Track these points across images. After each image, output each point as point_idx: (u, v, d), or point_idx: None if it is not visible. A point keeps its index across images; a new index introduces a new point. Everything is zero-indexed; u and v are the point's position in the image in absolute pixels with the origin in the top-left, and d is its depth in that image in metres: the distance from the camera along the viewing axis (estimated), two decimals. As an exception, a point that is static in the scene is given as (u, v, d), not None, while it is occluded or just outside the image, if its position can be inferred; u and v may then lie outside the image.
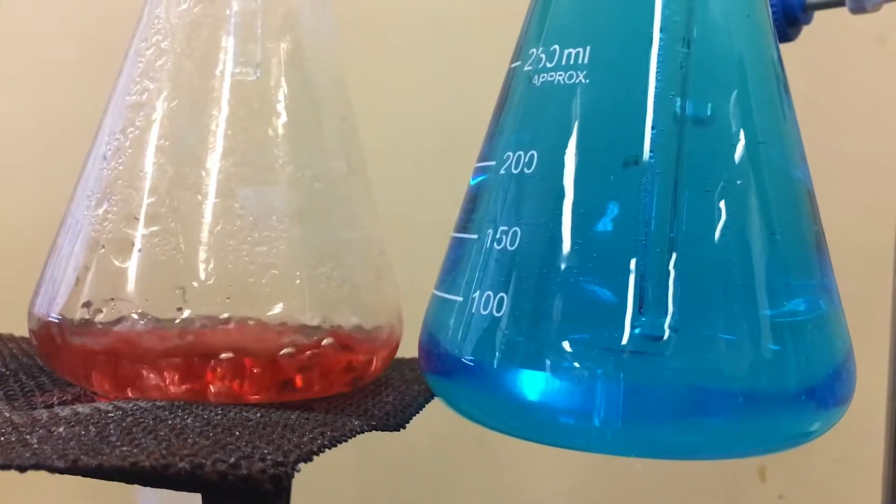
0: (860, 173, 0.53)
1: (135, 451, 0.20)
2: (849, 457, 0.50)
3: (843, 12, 0.40)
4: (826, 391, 0.24)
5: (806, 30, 0.42)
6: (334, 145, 0.31)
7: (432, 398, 0.31)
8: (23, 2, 0.62)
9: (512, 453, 0.55)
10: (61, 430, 0.23)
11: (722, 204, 0.24)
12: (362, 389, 0.31)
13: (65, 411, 0.25)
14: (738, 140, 0.25)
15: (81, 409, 0.25)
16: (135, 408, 0.25)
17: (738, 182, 0.24)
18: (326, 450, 0.22)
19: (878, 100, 0.55)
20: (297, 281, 0.28)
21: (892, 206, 0.43)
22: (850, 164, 0.53)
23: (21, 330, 0.42)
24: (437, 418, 0.30)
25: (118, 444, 0.21)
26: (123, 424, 0.23)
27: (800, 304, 0.25)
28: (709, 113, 0.25)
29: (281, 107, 0.30)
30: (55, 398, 0.29)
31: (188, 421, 0.24)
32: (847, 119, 0.55)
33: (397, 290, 0.33)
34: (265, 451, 0.21)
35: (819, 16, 0.42)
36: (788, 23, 0.41)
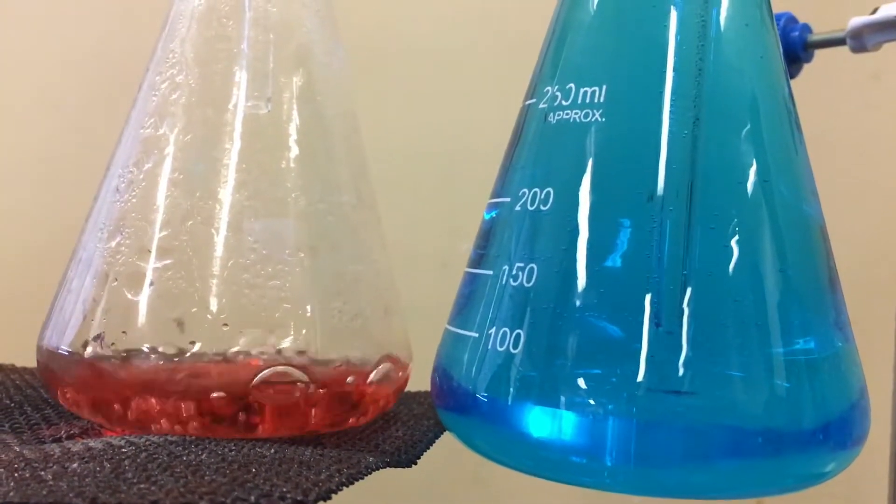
0: (857, 207, 0.53)
1: (152, 488, 0.20)
2: (849, 493, 0.50)
3: (838, 50, 0.41)
4: (842, 430, 0.24)
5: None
6: (346, 179, 0.31)
7: (442, 433, 0.31)
8: (26, 32, 0.63)
9: (507, 489, 0.55)
10: (75, 465, 0.22)
11: (735, 241, 0.24)
12: (372, 424, 0.31)
13: (77, 446, 0.25)
14: (752, 178, 0.25)
15: (94, 444, 0.25)
16: (147, 443, 0.25)
17: (752, 219, 0.25)
18: (344, 487, 0.22)
19: (873, 135, 0.56)
20: (310, 315, 0.28)
21: (892, 241, 0.43)
22: (846, 197, 0.54)
23: (19, 359, 0.42)
24: (431, 453, 0.30)
25: (135, 481, 0.21)
26: (138, 460, 0.23)
27: (814, 343, 0.25)
28: (722, 151, 0.25)
29: (294, 140, 0.30)
30: (63, 431, 0.29)
31: (203, 457, 0.24)
32: (843, 154, 0.55)
33: (406, 324, 0.33)
34: (284, 490, 0.20)
35: (815, 53, 0.42)
36: (789, 61, 0.42)
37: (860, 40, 0.40)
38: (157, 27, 0.32)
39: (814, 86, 0.43)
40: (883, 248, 0.48)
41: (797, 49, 0.42)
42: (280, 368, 0.27)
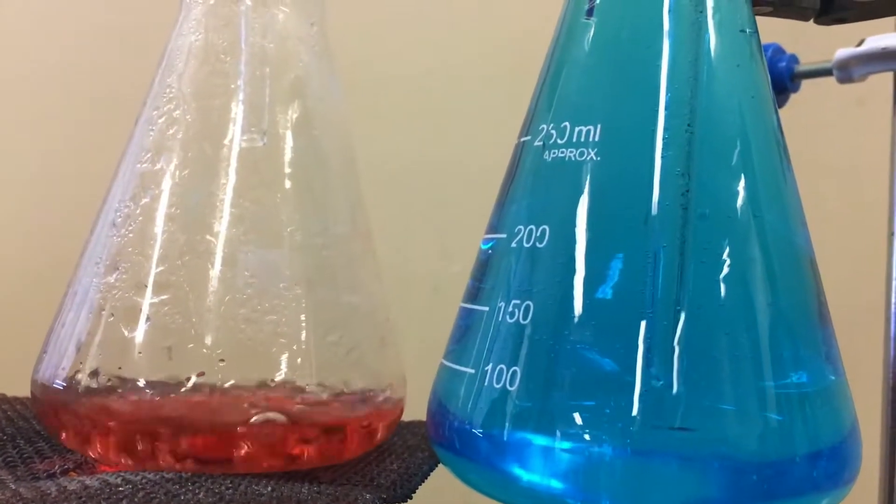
0: (842, 232, 0.54)
1: (152, 530, 0.20)
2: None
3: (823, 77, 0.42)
4: (834, 464, 0.24)
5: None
6: (342, 212, 0.31)
7: (436, 466, 0.31)
8: (19, 69, 0.63)
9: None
10: (73, 506, 0.22)
11: (728, 276, 0.24)
12: (366, 456, 0.31)
13: (73, 484, 0.25)
14: (743, 213, 0.25)
15: (90, 482, 0.25)
16: (144, 480, 0.25)
17: (744, 254, 0.25)
18: (342, 527, 0.22)
19: (858, 160, 0.57)
20: (306, 349, 0.28)
21: (878, 267, 0.44)
22: (831, 223, 0.54)
23: (11, 389, 0.42)
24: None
25: (133, 522, 0.21)
26: (135, 500, 0.23)
27: (806, 376, 0.25)
28: (714, 188, 0.25)
29: (290, 173, 0.30)
30: (57, 466, 0.29)
31: (200, 496, 0.24)
32: (828, 179, 0.56)
33: (400, 356, 0.33)
34: (283, 530, 0.21)
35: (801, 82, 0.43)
36: (776, 91, 0.42)
37: (847, 71, 0.40)
38: (155, 59, 0.32)
39: (799, 111, 0.44)
40: (869, 273, 0.48)
41: (784, 80, 0.42)
42: (270, 415, 0.27)
